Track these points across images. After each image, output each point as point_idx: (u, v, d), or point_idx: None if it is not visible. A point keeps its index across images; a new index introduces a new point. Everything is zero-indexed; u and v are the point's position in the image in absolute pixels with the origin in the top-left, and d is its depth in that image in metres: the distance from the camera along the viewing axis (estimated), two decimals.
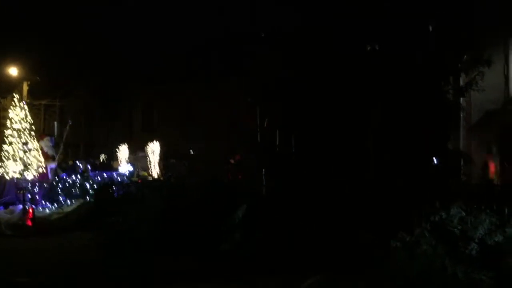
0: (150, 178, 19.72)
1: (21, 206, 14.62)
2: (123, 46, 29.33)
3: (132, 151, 22.60)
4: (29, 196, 15.05)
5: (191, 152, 25.86)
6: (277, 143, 11.37)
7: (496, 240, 7.37)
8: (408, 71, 10.30)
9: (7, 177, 15.59)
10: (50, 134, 20.53)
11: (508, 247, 7.25)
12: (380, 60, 10.34)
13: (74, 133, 26.72)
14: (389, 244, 8.02)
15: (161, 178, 19.06)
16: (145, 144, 23.07)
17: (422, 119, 10.27)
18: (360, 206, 9.25)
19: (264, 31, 11.56)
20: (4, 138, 15.97)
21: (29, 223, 13.63)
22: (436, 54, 10.54)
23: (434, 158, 10.73)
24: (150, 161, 21.41)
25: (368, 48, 10.65)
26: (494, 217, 7.57)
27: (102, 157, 22.06)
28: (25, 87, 24.40)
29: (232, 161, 17.53)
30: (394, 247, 7.94)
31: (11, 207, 15.30)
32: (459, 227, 7.75)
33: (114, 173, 19.09)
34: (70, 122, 19.38)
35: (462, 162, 12.38)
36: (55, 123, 31.37)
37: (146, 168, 21.48)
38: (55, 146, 18.28)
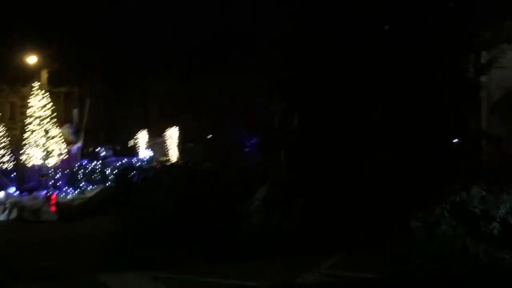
0: (168, 163, 19.90)
1: (44, 192, 14.92)
2: (140, 33, 29.40)
3: (150, 136, 22.82)
4: (52, 182, 15.33)
5: (208, 136, 26.00)
6: (296, 125, 11.33)
7: None
8: (428, 48, 10.11)
9: (29, 164, 15.89)
10: (70, 121, 20.77)
11: None
12: (399, 37, 10.16)
13: (93, 120, 27.01)
14: (409, 224, 7.98)
15: (179, 163, 19.24)
16: (163, 129, 23.26)
17: (442, 98, 10.11)
18: (379, 186, 9.19)
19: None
20: (27, 125, 16.23)
21: (53, 208, 13.94)
22: (456, 30, 10.31)
23: (454, 137, 10.59)
24: (168, 146, 21.60)
25: (387, 27, 10.48)
26: None
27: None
28: (44, 75, 24.70)
29: (249, 144, 17.58)
30: (414, 227, 7.91)
31: (34, 193, 15.64)
32: (480, 207, 7.67)
33: (134, 158, 19.32)
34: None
35: (483, 141, 12.20)
36: (74, 110, 31.75)
37: (165, 153, 21.69)
38: (76, 132, 18.51)
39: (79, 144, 17.42)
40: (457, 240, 7.45)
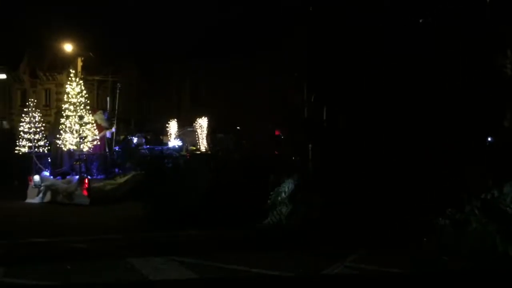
0: (198, 152, 20.12)
1: (77, 177, 15.33)
2: (170, 22, 29.71)
3: (180, 126, 23.09)
4: (85, 167, 15.73)
5: (238, 127, 26.08)
6: (324, 118, 11.30)
7: None
8: (463, 44, 9.92)
9: (64, 149, 16.34)
10: (103, 109, 21.22)
11: None
12: (433, 33, 10.00)
13: (125, 108, 27.48)
14: (434, 221, 7.91)
15: (209, 152, 19.42)
16: (193, 119, 23.50)
17: (476, 95, 9.91)
18: (408, 182, 9.11)
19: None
20: (62, 112, 16.67)
21: (85, 192, 14.31)
22: (492, 26, 10.07)
23: (488, 136, 10.37)
24: (198, 136, 21.84)
25: (421, 21, 10.32)
26: None
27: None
28: (79, 63, 25.22)
29: (279, 136, 17.59)
30: (442, 224, 7.83)
31: (68, 177, 16.07)
32: None
33: (164, 147, 19.61)
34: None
35: None
36: (108, 98, 32.37)
37: (194, 142, 21.92)
38: (108, 119, 18.90)
39: (113, 129, 17.83)
40: (487, 238, 7.35)
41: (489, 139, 10.61)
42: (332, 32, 10.78)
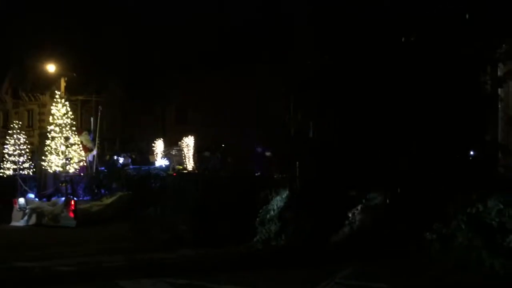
0: (185, 171, 20.07)
1: (63, 198, 15.17)
2: (155, 39, 29.81)
3: (167, 145, 23.05)
4: (71, 188, 15.59)
5: (223, 145, 26.11)
6: (311, 134, 11.40)
7: None
8: (445, 60, 10.16)
9: (50, 171, 16.19)
10: (88, 129, 21.12)
11: None
12: (416, 49, 10.23)
13: (110, 128, 27.36)
14: (422, 235, 8.02)
15: (196, 171, 19.39)
16: (179, 137, 23.49)
17: (458, 110, 10.13)
18: (396, 197, 9.24)
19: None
20: (47, 133, 16.56)
21: (71, 214, 14.17)
22: (473, 43, 10.34)
23: (471, 149, 10.57)
24: (184, 155, 21.80)
25: (403, 39, 10.55)
26: None
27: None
28: (62, 83, 25.11)
29: (266, 153, 17.66)
30: (429, 239, 7.94)
31: (53, 199, 15.91)
32: (497, 220, 7.69)
33: (150, 167, 19.54)
34: (100, 108, 19.79)
35: (500, 154, 12.15)
36: (91, 118, 32.19)
37: (181, 161, 21.86)
38: (93, 140, 18.83)
39: (94, 152, 17.70)
40: (473, 252, 7.48)
41: (472, 153, 10.83)
42: (321, 51, 10.98)
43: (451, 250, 7.78)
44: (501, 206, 7.75)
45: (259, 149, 19.27)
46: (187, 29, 29.19)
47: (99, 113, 19.57)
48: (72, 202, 14.34)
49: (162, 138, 23.33)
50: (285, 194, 10.43)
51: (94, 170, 17.72)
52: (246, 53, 25.82)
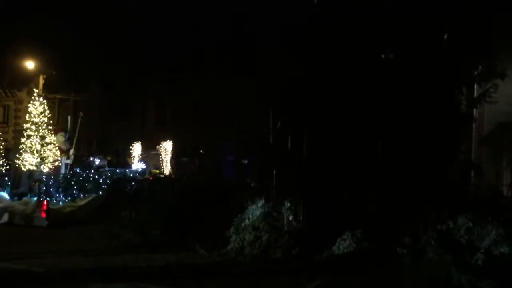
0: (161, 175, 19.97)
1: (35, 198, 14.92)
2: (136, 42, 29.69)
3: (144, 148, 22.92)
4: (44, 188, 15.34)
5: (202, 151, 26.11)
6: (289, 145, 11.50)
7: (502, 251, 7.51)
8: (421, 79, 10.39)
9: (23, 169, 15.91)
10: (64, 129, 20.85)
11: None
12: (394, 67, 10.44)
13: (87, 129, 27.05)
14: (393, 250, 8.17)
15: (173, 176, 19.33)
16: (158, 141, 23.40)
17: (433, 128, 10.36)
18: (367, 211, 9.38)
19: (277, 30, 11.71)
20: (22, 131, 16.29)
21: (43, 214, 13.91)
22: (450, 62, 10.61)
23: (444, 168, 10.80)
24: (162, 159, 21.71)
25: (382, 56, 10.76)
26: (500, 228, 7.70)
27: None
28: (41, 81, 24.78)
29: (244, 161, 17.74)
30: (398, 254, 8.09)
31: (25, 198, 15.61)
32: (466, 237, 7.91)
33: (127, 170, 19.37)
34: (81, 114, 19.63)
35: (472, 173, 12.45)
36: (69, 117, 31.79)
37: (158, 166, 21.76)
38: (68, 140, 18.59)
39: (68, 161, 17.50)
40: (442, 268, 7.66)
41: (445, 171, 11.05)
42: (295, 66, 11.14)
43: (421, 265, 7.94)
44: (470, 224, 7.97)
45: (232, 158, 19.34)
46: (168, 38, 29.17)
47: (80, 119, 19.38)
48: (45, 202, 14.10)
49: (140, 142, 23.20)
50: (260, 203, 10.48)
51: (68, 171, 17.49)
52: (225, 63, 25.99)
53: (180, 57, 29.33)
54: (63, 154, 17.73)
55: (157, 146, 22.61)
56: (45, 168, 15.60)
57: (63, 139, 18.07)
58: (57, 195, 15.60)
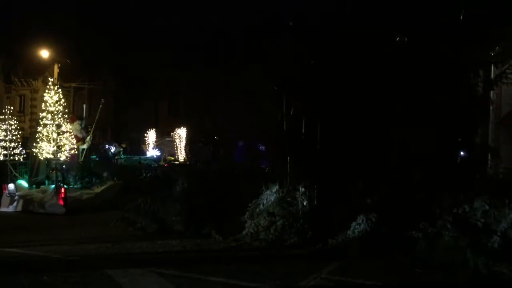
0: (176, 162, 20.09)
1: (53, 186, 15.14)
2: (150, 31, 29.75)
3: (159, 135, 23.06)
4: (61, 176, 15.56)
5: (216, 138, 26.15)
6: (303, 131, 11.46)
7: None
8: (437, 62, 10.23)
9: (40, 158, 16.13)
10: (80, 117, 21.05)
11: None
12: (408, 51, 10.29)
13: (102, 116, 27.28)
14: (409, 234, 8.14)
15: (187, 163, 19.43)
16: (171, 128, 23.51)
17: (449, 112, 10.23)
18: (382, 195, 9.34)
19: (290, 20, 11.61)
20: (39, 120, 16.48)
21: (61, 202, 14.13)
22: (466, 45, 10.42)
23: (460, 151, 10.68)
24: (176, 146, 21.81)
25: (397, 39, 10.61)
26: None
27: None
28: (56, 70, 24.98)
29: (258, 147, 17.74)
30: (413, 238, 8.06)
31: (42, 187, 15.86)
32: (482, 220, 7.84)
33: (141, 157, 19.52)
34: (102, 101, 19.75)
35: (489, 156, 12.30)
36: (84, 105, 32.07)
37: (173, 152, 21.88)
38: (84, 128, 18.78)
39: (85, 146, 17.68)
40: (458, 251, 7.62)
41: (462, 153, 10.95)
42: (314, 51, 11.04)
43: (436, 249, 7.91)
44: (487, 207, 7.89)
45: (242, 143, 19.30)
46: (181, 27, 29.13)
47: (100, 106, 19.52)
48: (62, 190, 14.31)
49: (155, 129, 23.34)
50: (275, 188, 10.49)
51: (83, 156, 17.69)
52: (239, 51, 25.84)
53: (192, 45, 29.33)
54: (79, 143, 17.93)
55: (172, 133, 22.72)
56: (61, 156, 15.79)
57: (80, 127, 18.26)
58: (74, 182, 15.82)
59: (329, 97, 10.73)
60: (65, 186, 14.83)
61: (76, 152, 17.05)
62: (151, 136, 22.05)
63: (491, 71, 12.08)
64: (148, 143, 21.75)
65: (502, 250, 7.34)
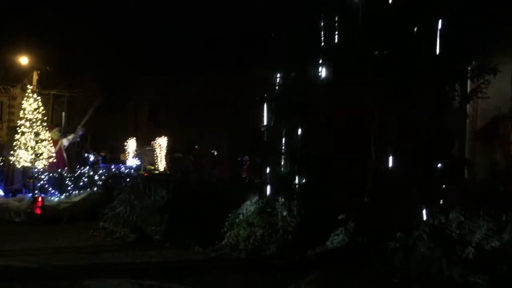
0: (156, 172, 19.99)
1: (30, 195, 14.91)
2: (131, 39, 29.63)
3: (139, 144, 22.92)
4: (39, 185, 15.34)
5: (196, 147, 26.15)
6: (283, 141, 11.54)
7: (493, 245, 7.60)
8: (415, 76, 10.44)
9: (18, 166, 15.88)
10: (59, 124, 20.82)
11: (503, 253, 7.47)
12: (386, 65, 10.48)
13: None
14: (386, 245, 8.25)
15: (168, 172, 19.34)
16: (152, 137, 23.41)
17: (426, 125, 10.43)
18: (360, 207, 9.45)
19: (271, 31, 11.74)
20: (16, 127, 16.24)
21: (38, 211, 13.93)
22: (443, 59, 10.66)
23: (438, 163, 10.88)
24: (157, 155, 21.72)
25: (376, 53, 10.80)
26: (491, 223, 7.79)
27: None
28: (35, 77, 24.68)
29: (245, 158, 17.80)
30: (391, 248, 8.18)
31: (19, 195, 15.62)
32: (457, 232, 7.99)
33: (121, 166, 19.37)
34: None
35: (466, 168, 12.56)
36: (63, 113, 31.68)
37: (153, 162, 21.77)
38: (63, 135, 18.61)
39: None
40: (434, 262, 7.75)
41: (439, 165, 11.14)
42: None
43: (413, 259, 8.03)
44: (462, 219, 8.06)
45: (222, 154, 19.32)
46: (165, 33, 29.15)
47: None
48: (40, 199, 14.11)
49: (135, 137, 23.20)
50: (255, 199, 10.53)
51: (65, 165, 17.49)
52: (221, 61, 25.99)
53: (173, 56, 29.32)
54: (60, 143, 17.78)
55: (152, 142, 22.61)
56: (39, 165, 15.57)
57: (59, 134, 18.10)
58: (52, 191, 15.59)
59: (308, 109, 10.88)
60: (43, 195, 14.63)
61: (55, 160, 16.81)
62: (131, 144, 21.89)
63: (467, 85, 12.40)
64: (128, 152, 21.59)
65: (476, 261, 7.50)
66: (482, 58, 11.20)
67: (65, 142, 18.04)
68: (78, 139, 18.49)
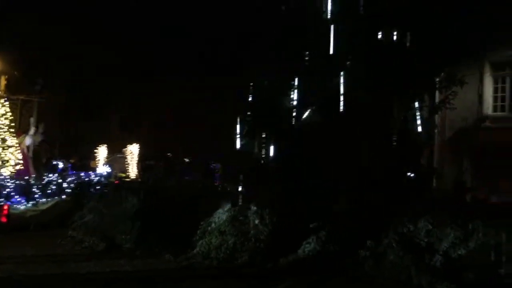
0: (127, 179, 19.72)
1: None
2: (103, 43, 29.18)
3: (110, 151, 22.58)
4: (4, 192, 14.91)
5: (169, 154, 25.95)
6: (256, 149, 11.60)
7: (459, 253, 7.80)
8: (384, 87, 10.65)
9: None
10: (26, 131, 20.34)
11: (470, 261, 7.67)
12: (355, 75, 10.68)
13: (49, 129, 26.47)
14: (357, 253, 8.36)
15: (139, 180, 19.11)
16: (123, 144, 23.12)
17: (395, 135, 10.64)
18: (331, 216, 9.54)
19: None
20: None
21: (4, 219, 13.54)
22: (412, 71, 10.92)
23: (407, 173, 11.10)
24: (128, 162, 21.45)
25: (348, 63, 10.99)
26: (458, 231, 7.98)
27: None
28: (3, 82, 24.04)
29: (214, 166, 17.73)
30: (362, 256, 8.29)
31: None
32: (426, 240, 8.17)
33: (91, 173, 19.03)
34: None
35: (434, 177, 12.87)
36: (31, 118, 30.99)
37: (124, 169, 21.49)
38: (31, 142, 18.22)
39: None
40: (403, 269, 7.89)
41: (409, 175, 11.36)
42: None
43: (383, 267, 8.16)
44: (430, 227, 8.24)
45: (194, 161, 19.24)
46: (140, 40, 28.85)
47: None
48: (5, 207, 13.72)
49: (106, 145, 22.85)
50: (227, 207, 10.51)
51: (32, 173, 17.07)
52: (195, 70, 25.91)
53: (147, 62, 29.05)
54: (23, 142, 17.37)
55: (123, 149, 22.33)
56: (6, 172, 15.17)
57: (26, 140, 17.72)
58: (19, 199, 15.18)
59: (280, 122, 11.03)
60: (8, 203, 14.23)
61: (23, 167, 16.40)
62: (102, 152, 21.54)
63: (436, 96, 12.72)
64: (99, 159, 21.25)
65: (443, 269, 7.67)
66: (450, 69, 11.54)
67: (27, 141, 17.60)
68: (42, 138, 18.04)
